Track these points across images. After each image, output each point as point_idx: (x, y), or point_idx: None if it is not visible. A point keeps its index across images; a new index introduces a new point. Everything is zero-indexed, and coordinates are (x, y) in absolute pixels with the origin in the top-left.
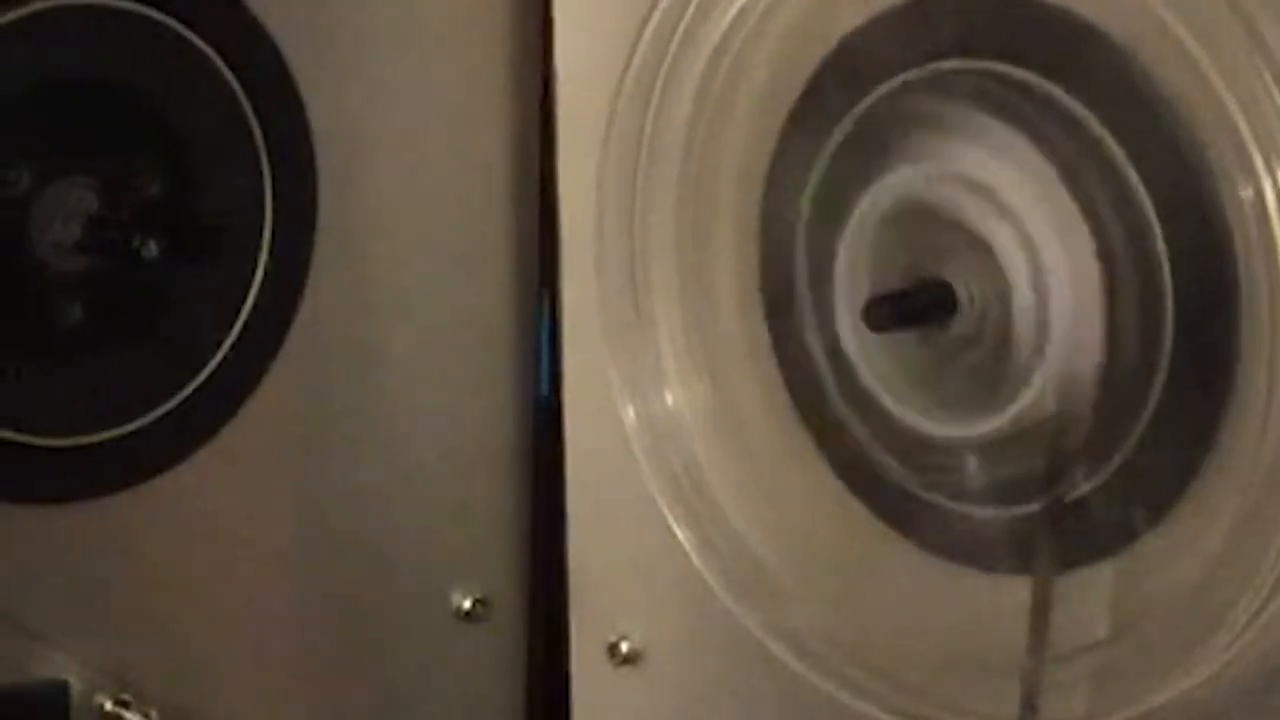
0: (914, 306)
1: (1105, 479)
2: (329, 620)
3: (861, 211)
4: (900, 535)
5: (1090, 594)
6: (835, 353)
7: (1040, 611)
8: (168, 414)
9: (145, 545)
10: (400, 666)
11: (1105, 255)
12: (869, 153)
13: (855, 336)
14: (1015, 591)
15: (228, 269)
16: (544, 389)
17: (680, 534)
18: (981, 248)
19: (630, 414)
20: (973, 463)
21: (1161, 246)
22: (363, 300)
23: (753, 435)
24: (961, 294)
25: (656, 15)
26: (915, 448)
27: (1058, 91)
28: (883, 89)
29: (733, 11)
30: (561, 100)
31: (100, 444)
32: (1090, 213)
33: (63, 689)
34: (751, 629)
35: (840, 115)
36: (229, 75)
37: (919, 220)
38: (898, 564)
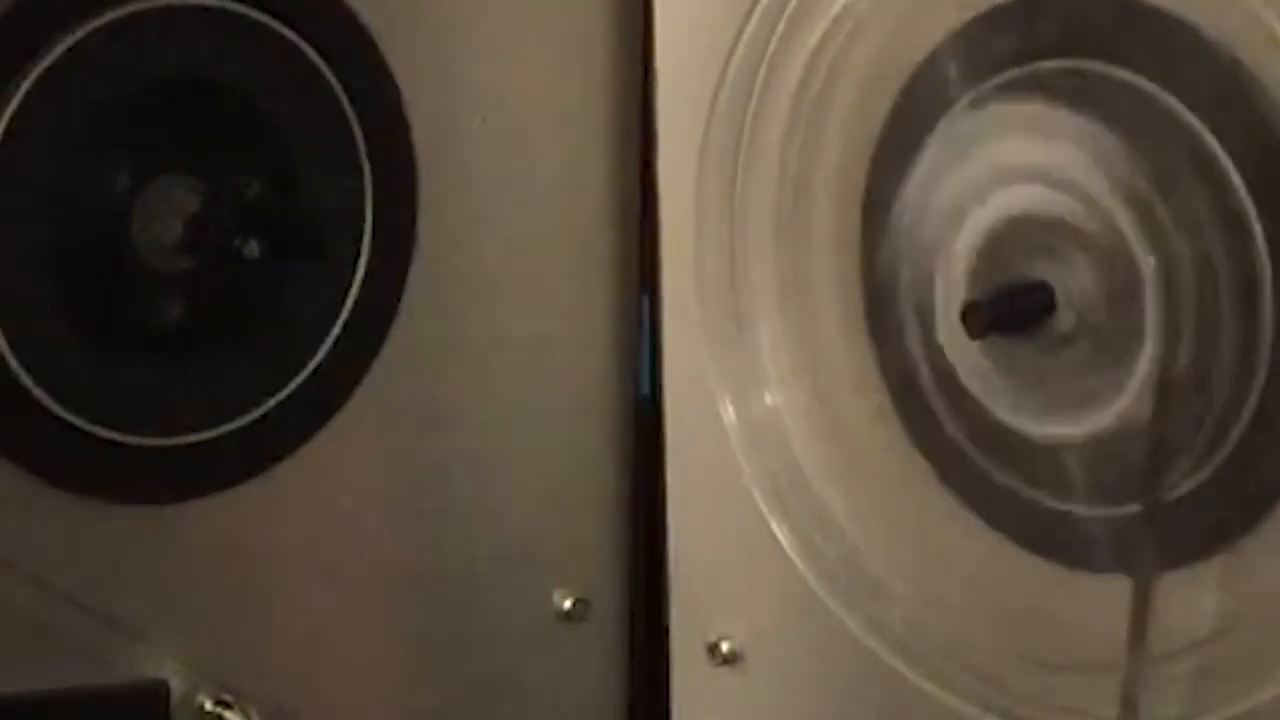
0: (1012, 308)
1: (1205, 478)
2: (430, 620)
3: (961, 210)
4: (1000, 534)
5: (1190, 594)
6: (934, 352)
7: (1140, 611)
8: (268, 414)
9: (246, 545)
10: (501, 666)
11: (1203, 254)
12: (968, 153)
13: (954, 336)
14: (1115, 591)
15: (328, 269)
16: (644, 389)
17: (780, 534)
18: (1079, 248)
19: (730, 414)
20: (1073, 462)
21: (1261, 245)
22: (462, 300)
23: (852, 435)
24: (1060, 294)
25: (756, 15)
26: (1015, 447)
27: (1155, 90)
28: (981, 89)
29: (833, 11)
30: (661, 100)
31: (202, 444)
32: (1188, 212)
33: (163, 689)
34: (851, 628)
35: (939, 115)
36: (330, 75)
37: (1018, 220)
38: (998, 563)
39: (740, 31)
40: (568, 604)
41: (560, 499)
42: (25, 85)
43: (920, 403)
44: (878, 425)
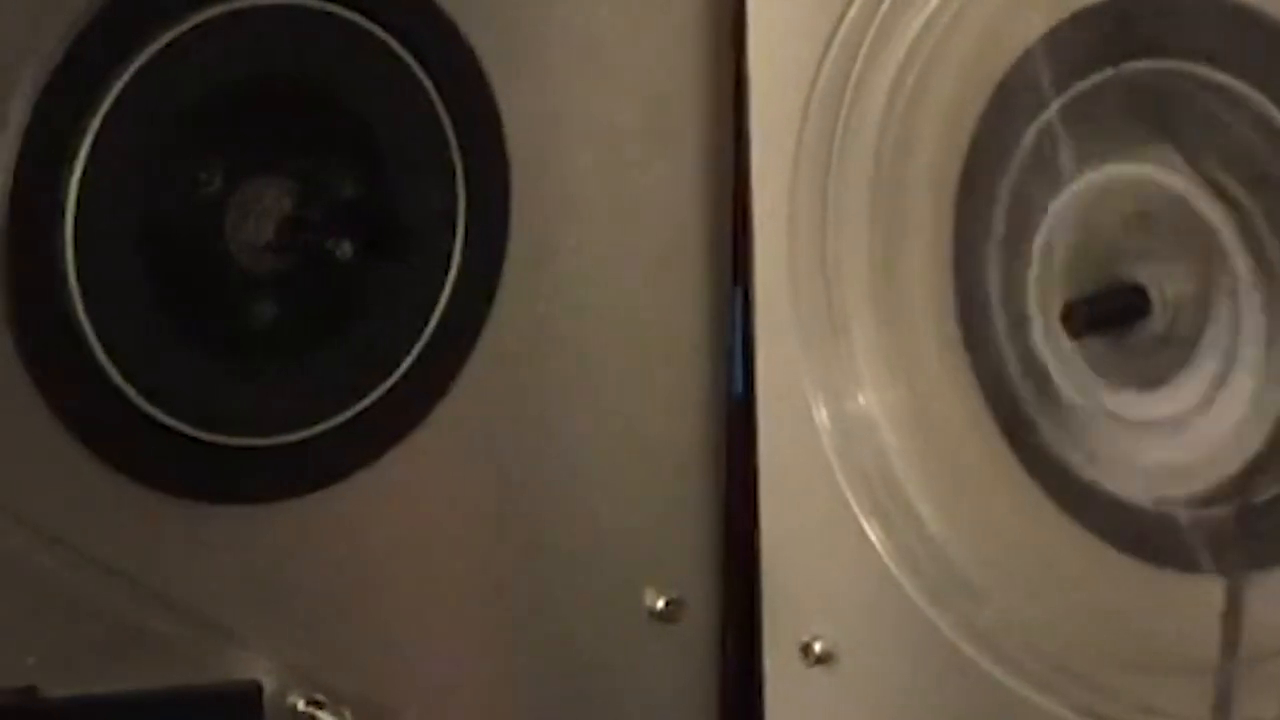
0: (1109, 310)
1: None
2: (522, 620)
3: (1054, 213)
4: (1093, 536)
5: None
6: (1027, 353)
7: (1233, 612)
8: (360, 414)
9: (338, 545)
10: (593, 666)
11: None
12: (1060, 155)
13: (1047, 337)
14: (1208, 592)
15: (421, 269)
16: (737, 387)
17: (872, 534)
18: (1173, 249)
19: (823, 414)
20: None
21: None
22: (555, 300)
23: (945, 435)
24: (1154, 296)
25: (849, 16)
26: (1108, 449)
27: (1246, 90)
28: (1073, 91)
29: (926, 13)
30: (755, 99)
31: (293, 444)
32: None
33: (256, 689)
34: (942, 628)
35: (1032, 115)
36: (422, 75)
37: (1110, 222)
38: (1091, 564)
39: (835, 28)
40: (660, 604)
41: (653, 498)
42: (118, 86)
43: (1013, 402)
44: (970, 425)
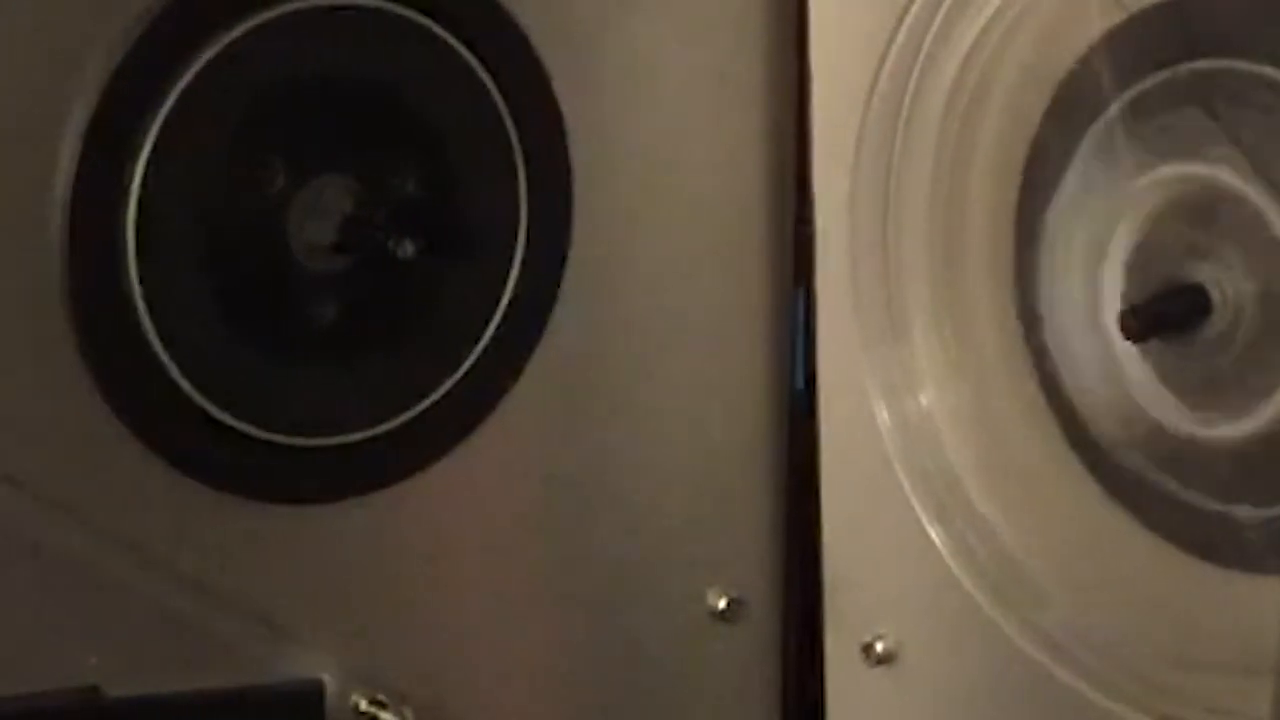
0: (1169, 312)
1: None
2: (584, 619)
3: (1114, 214)
4: (1156, 536)
5: None
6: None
7: None
8: (423, 413)
9: (400, 545)
10: (655, 666)
11: None
12: (1122, 154)
13: (1109, 337)
14: (1273, 592)
15: (483, 268)
16: (799, 386)
17: (934, 534)
18: (1233, 250)
19: (884, 413)
20: (1228, 463)
21: None
22: (617, 300)
23: (1006, 435)
24: (1215, 296)
25: (910, 16)
26: (1170, 448)
27: None
28: (1133, 91)
29: (987, 13)
30: (816, 98)
31: (355, 444)
32: None
33: (318, 688)
34: (1005, 629)
35: (1094, 115)
36: (484, 74)
37: (1172, 222)
38: (1154, 564)
39: (896, 29)
40: (722, 603)
41: (715, 497)
42: (181, 86)
43: (1075, 404)
44: (1032, 426)
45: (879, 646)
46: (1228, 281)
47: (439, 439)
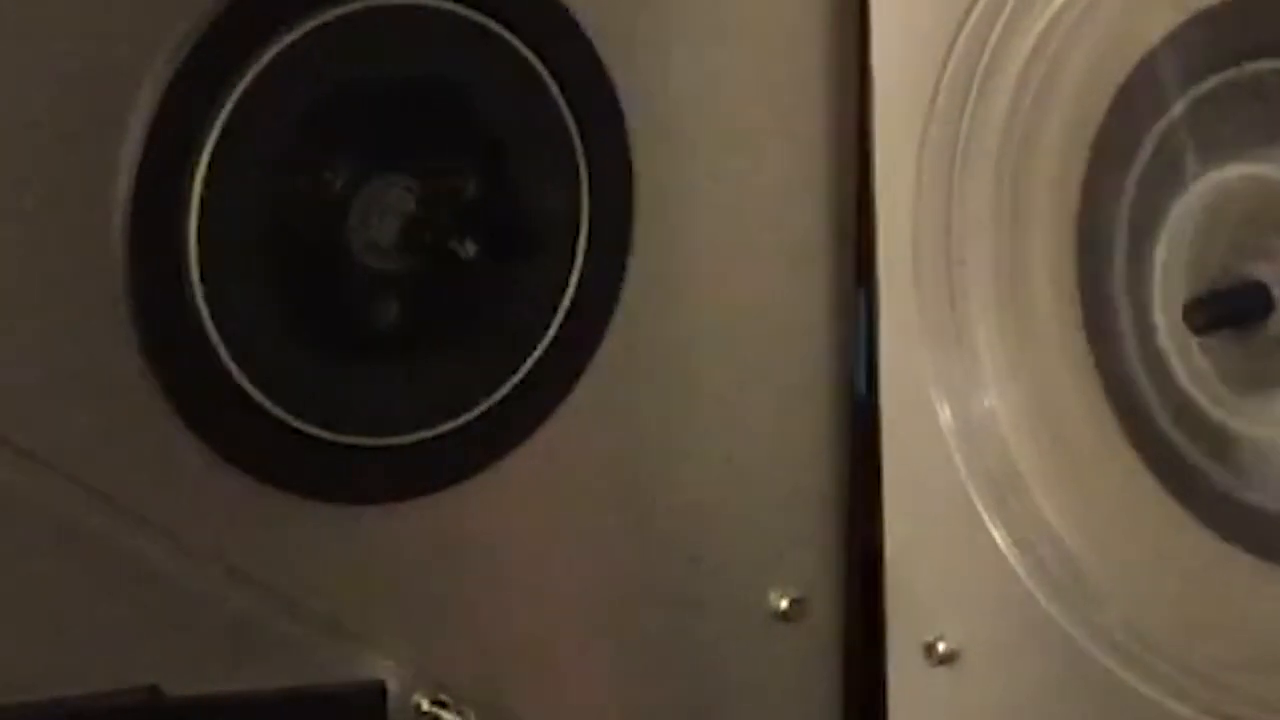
0: (1231, 307)
1: None
2: (645, 619)
3: (1179, 211)
4: (1218, 536)
5: None
6: (1151, 353)
7: None
8: (485, 413)
9: (462, 545)
10: (717, 666)
11: None
12: (1186, 152)
13: (1170, 337)
14: None
15: (545, 269)
16: (861, 386)
17: (996, 534)
18: None
19: (946, 414)
20: None
21: None
22: (679, 300)
23: (1069, 436)
24: (1277, 294)
25: (974, 15)
26: (1232, 448)
27: None
28: (1199, 89)
29: (1050, 13)
30: (879, 98)
31: (416, 444)
32: None
33: (379, 689)
34: (1067, 628)
35: (1158, 114)
36: (545, 74)
37: (1235, 220)
38: (1216, 565)
39: (959, 27)
40: (784, 603)
41: (777, 497)
42: (242, 86)
43: (1137, 404)
44: (1094, 427)
45: (941, 646)
46: None
47: (501, 439)
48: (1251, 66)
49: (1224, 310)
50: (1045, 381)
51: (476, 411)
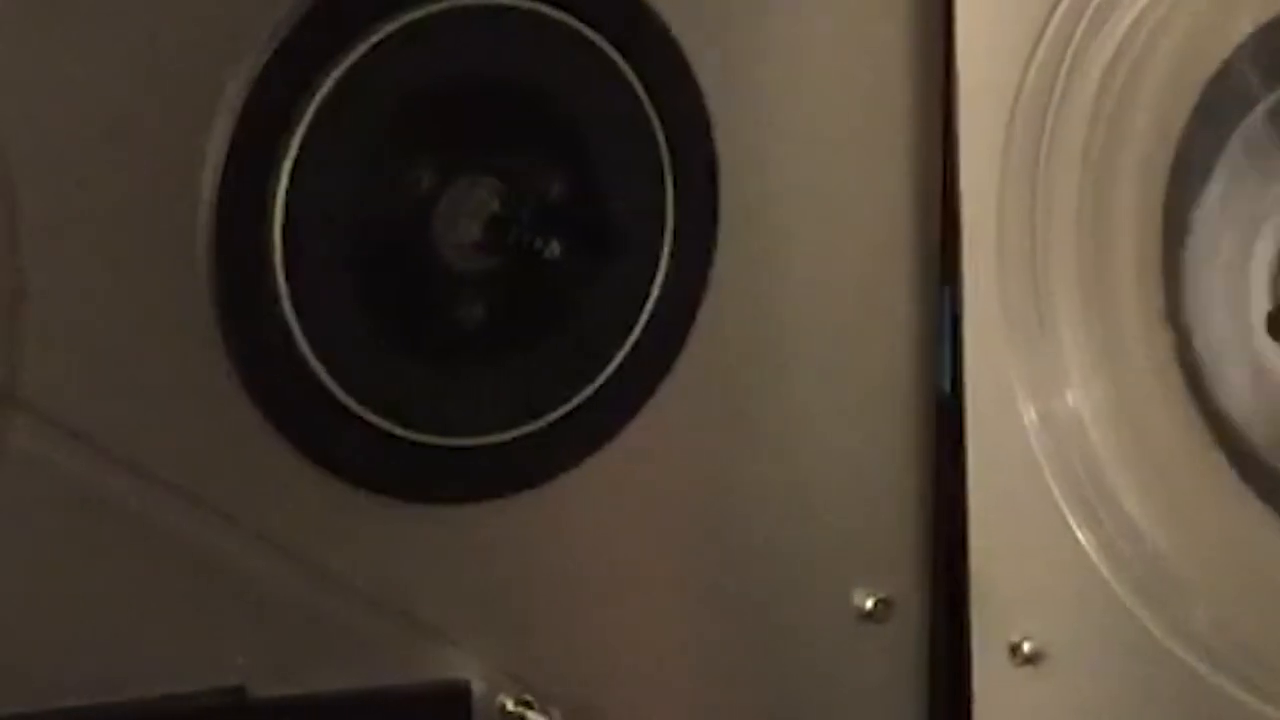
0: None
1: None
2: (730, 620)
3: (1261, 214)
4: None
5: None
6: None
7: None
8: (569, 414)
9: (547, 545)
10: (801, 667)
11: None
12: (1267, 155)
13: (1257, 338)
14: None
15: (630, 268)
16: (946, 387)
17: (1081, 535)
18: None
19: (1031, 413)
20: None
21: None
22: (764, 298)
23: (1154, 436)
24: None
25: (1057, 15)
26: None
27: None
28: None
29: (1135, 11)
30: (963, 97)
31: (502, 444)
32: None
33: (464, 689)
34: (1153, 629)
35: (1240, 115)
36: (630, 74)
37: None
38: None
39: (1043, 28)
40: (869, 604)
41: (862, 496)
42: (327, 85)
43: (1220, 402)
44: (1178, 425)
45: (1026, 646)
46: None
47: (586, 439)
48: None
49: None
50: (1129, 379)
51: (561, 412)
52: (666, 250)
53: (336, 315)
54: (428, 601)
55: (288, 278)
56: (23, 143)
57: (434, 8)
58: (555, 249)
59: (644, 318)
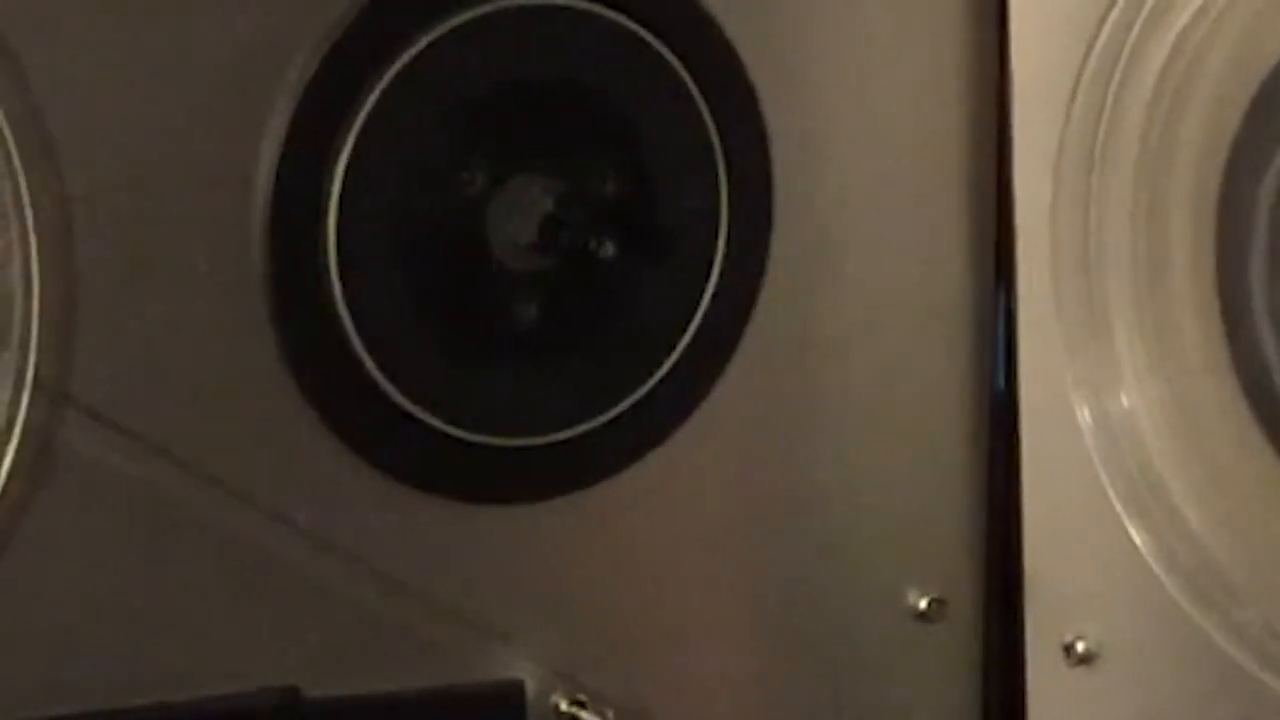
0: None
1: None
2: (784, 619)
3: None
4: None
5: None
6: None
7: None
8: (623, 414)
9: (600, 545)
10: (856, 666)
11: None
12: None
13: None
14: None
15: (684, 268)
16: (1000, 387)
17: (1135, 535)
18: None
19: (1085, 413)
20: None
21: None
22: (818, 299)
23: (1209, 436)
24: None
25: (1112, 19)
26: None
27: None
28: None
29: (1191, 9)
30: (1017, 96)
31: (556, 444)
32: None
33: (518, 688)
34: (1207, 630)
35: None
36: (685, 75)
37: None
38: None
39: (1097, 31)
40: (923, 604)
41: (916, 496)
42: (381, 85)
43: (1277, 402)
44: (1233, 426)
45: (1079, 646)
46: None
47: (640, 439)
48: None
49: None
50: (1184, 380)
51: (616, 411)
52: (720, 251)
53: (390, 316)
54: (481, 601)
55: (342, 279)
56: (78, 144)
57: (488, 7)
58: (609, 249)
59: (698, 318)
